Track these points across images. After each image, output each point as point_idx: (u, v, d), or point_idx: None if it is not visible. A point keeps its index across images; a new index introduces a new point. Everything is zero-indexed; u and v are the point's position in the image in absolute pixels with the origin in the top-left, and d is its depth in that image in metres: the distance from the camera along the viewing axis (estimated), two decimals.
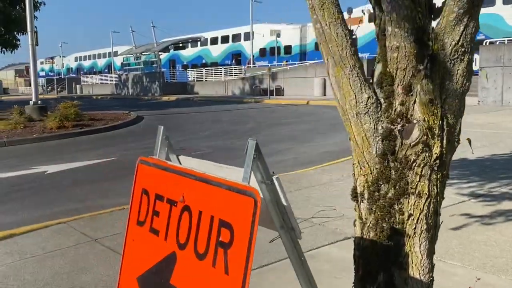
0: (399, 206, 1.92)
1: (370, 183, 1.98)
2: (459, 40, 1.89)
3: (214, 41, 50.44)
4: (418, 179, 1.89)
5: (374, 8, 2.01)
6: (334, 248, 4.25)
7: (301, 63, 33.65)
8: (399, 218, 1.93)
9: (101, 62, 76.70)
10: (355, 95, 1.97)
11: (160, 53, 45.43)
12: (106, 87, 56.70)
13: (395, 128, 1.91)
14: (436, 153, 1.89)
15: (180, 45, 47.83)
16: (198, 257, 1.58)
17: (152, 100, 36.64)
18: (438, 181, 1.93)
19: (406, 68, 1.89)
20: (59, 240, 4.78)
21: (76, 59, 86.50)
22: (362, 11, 33.49)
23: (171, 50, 49.26)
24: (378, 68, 2.01)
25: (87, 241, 4.72)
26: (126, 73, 49.42)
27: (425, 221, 1.92)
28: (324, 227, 4.86)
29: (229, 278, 1.45)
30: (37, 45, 16.78)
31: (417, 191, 1.90)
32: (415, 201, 1.91)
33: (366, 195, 2.00)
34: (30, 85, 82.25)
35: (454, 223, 4.69)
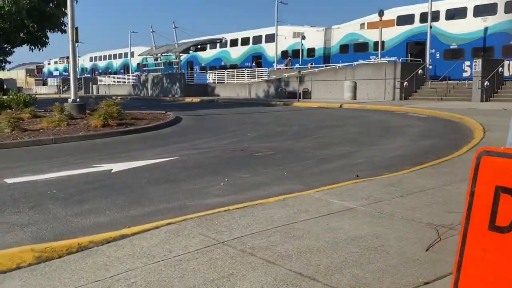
0: None
1: None
2: None
3: (233, 43, 50.10)
4: None
5: None
6: None
7: (330, 65, 33.20)
8: None
9: (117, 63, 76.63)
10: None
11: (181, 54, 45.19)
12: (123, 87, 56.60)
13: None
14: None
15: (199, 46, 47.54)
16: None
17: (175, 102, 36.38)
18: None
19: None
20: (182, 242, 4.42)
21: (91, 59, 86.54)
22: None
23: (190, 52, 48.95)
24: None
25: (214, 243, 4.35)
26: (146, 73, 49.20)
27: None
28: None
29: None
30: (77, 41, 16.51)
31: None
32: None
33: None
34: (43, 85, 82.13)
35: None
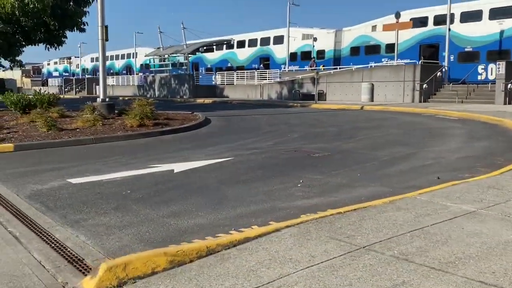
0: None
1: None
2: None
3: (240, 44, 49.82)
4: None
5: None
6: None
7: (346, 67, 32.98)
8: None
9: (119, 64, 76.19)
10: None
11: (189, 55, 44.92)
12: (127, 88, 56.26)
13: None
14: None
15: (205, 48, 47.29)
16: None
17: (186, 103, 36.06)
18: None
19: None
20: (319, 247, 4.15)
21: (92, 60, 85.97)
22: None
23: (197, 53, 48.64)
24: None
25: (355, 249, 4.09)
26: (153, 74, 48.87)
27: None
28: None
29: None
30: (107, 40, 16.19)
31: None
32: None
33: None
34: (42, 85, 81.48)
35: None
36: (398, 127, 15.08)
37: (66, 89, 68.99)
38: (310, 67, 34.18)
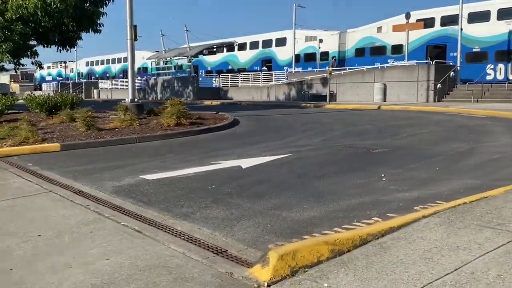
0: None
1: None
2: None
3: (241, 46, 49.69)
4: None
5: None
6: None
7: (357, 68, 32.94)
8: None
9: (116, 67, 75.66)
10: None
11: (191, 58, 44.74)
12: (126, 91, 55.27)
13: None
14: None
15: (209, 50, 47.21)
16: None
17: (193, 104, 35.67)
18: None
19: None
20: (477, 235, 4.05)
21: (87, 64, 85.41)
22: None
23: (199, 55, 48.47)
24: None
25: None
26: (155, 77, 48.58)
27: None
28: None
29: None
30: (135, 39, 15.99)
31: None
32: None
33: None
34: (34, 90, 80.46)
35: None
36: (435, 124, 15.04)
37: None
38: (332, 66, 33.97)
